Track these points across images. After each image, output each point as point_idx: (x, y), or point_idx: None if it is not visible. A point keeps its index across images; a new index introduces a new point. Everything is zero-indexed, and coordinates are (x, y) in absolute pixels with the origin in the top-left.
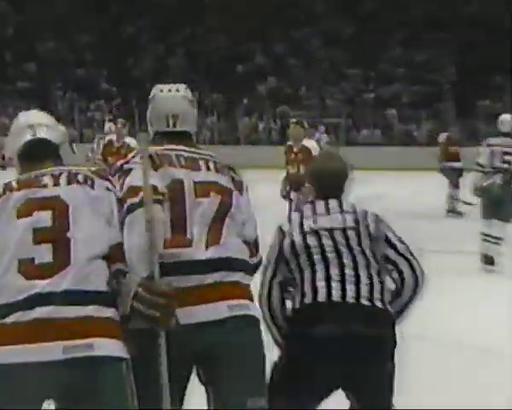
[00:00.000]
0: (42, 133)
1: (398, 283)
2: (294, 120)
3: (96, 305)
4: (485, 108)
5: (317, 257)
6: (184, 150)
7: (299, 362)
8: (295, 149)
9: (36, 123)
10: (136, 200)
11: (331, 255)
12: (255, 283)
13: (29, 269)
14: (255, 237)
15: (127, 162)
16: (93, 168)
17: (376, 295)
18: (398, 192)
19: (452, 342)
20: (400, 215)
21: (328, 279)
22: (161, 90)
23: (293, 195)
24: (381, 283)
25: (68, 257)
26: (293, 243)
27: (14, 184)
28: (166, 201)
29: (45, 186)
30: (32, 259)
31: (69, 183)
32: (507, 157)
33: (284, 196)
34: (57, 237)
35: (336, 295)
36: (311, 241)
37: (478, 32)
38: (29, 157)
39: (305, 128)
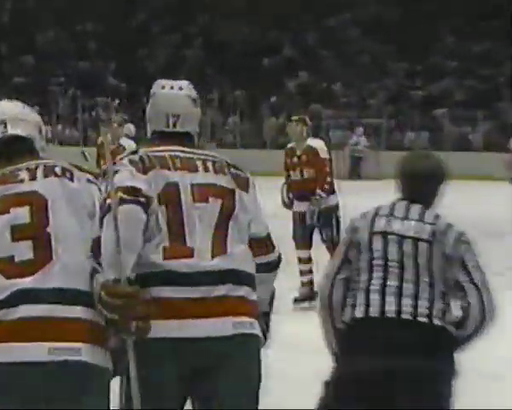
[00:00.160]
0: (15, 129)
1: (464, 312)
2: (296, 117)
3: (84, 306)
4: None
5: (376, 263)
6: (181, 151)
7: (342, 402)
8: (298, 152)
9: (8, 117)
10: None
11: (392, 264)
12: (279, 279)
13: (8, 268)
14: (266, 232)
15: (114, 164)
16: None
17: (436, 313)
18: (460, 205)
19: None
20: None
21: (383, 292)
22: (163, 87)
23: (296, 205)
24: (444, 304)
25: (50, 253)
26: (358, 241)
27: None
28: (162, 205)
29: (22, 181)
30: (12, 257)
31: (46, 176)
32: None
33: (286, 206)
34: (37, 233)
35: (390, 310)
36: (376, 244)
37: None
38: (4, 155)
39: (308, 125)
